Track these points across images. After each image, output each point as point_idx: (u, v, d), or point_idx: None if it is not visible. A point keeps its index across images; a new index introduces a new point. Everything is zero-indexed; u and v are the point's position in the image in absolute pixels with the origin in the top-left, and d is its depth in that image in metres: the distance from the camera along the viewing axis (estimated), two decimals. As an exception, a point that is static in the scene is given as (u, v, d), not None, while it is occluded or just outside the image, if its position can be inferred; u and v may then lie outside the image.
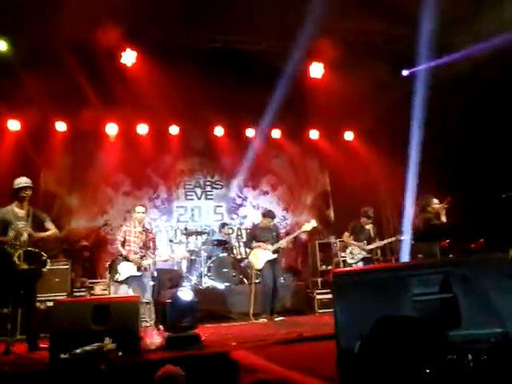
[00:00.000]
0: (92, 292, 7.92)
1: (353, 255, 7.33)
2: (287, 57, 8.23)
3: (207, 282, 7.98)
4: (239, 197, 10.37)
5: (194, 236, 9.11)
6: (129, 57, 7.66)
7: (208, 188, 10.25)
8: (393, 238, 7.43)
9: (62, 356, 3.88)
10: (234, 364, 3.71)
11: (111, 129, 9.20)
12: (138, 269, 6.28)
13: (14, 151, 8.39)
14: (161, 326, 5.61)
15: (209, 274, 8.06)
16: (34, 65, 7.21)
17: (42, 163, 8.79)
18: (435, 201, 6.42)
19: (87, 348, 3.88)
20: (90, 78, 7.81)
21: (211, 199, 10.22)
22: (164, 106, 8.57)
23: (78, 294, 7.44)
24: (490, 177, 7.55)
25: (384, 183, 9.85)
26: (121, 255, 6.33)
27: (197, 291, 6.45)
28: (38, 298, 5.66)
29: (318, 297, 8.06)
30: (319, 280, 8.76)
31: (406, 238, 7.55)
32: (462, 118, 7.75)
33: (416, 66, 8.32)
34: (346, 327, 2.08)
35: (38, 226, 5.29)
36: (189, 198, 10.09)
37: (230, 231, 9.59)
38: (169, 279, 8.26)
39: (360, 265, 7.23)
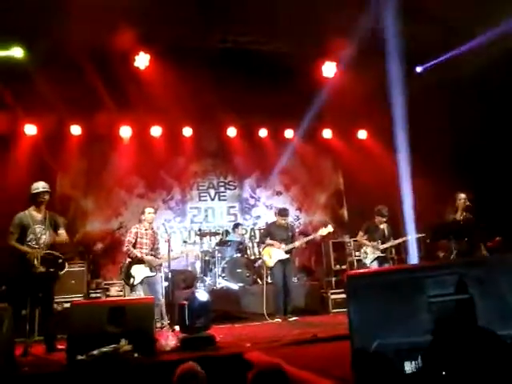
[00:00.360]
0: (107, 293, 7.99)
1: (367, 255, 7.28)
2: (299, 56, 8.22)
3: (221, 283, 8.00)
4: (252, 197, 10.38)
5: (207, 237, 9.14)
6: (142, 60, 7.73)
7: (221, 189, 10.27)
8: (407, 237, 7.36)
9: (79, 357, 3.94)
10: (248, 365, 3.72)
11: (125, 132, 9.27)
12: (151, 269, 6.32)
13: (30, 155, 8.50)
14: (176, 327, 5.65)
15: (223, 275, 8.08)
16: (49, 69, 7.32)
17: (57, 167, 8.89)
18: (461, 196, 6.34)
19: (104, 349, 3.93)
20: (104, 81, 7.89)
21: (224, 200, 10.24)
22: (177, 107, 8.61)
23: (93, 295, 7.52)
24: (507, 174, 7.44)
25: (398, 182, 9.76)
26: (134, 258, 6.35)
27: (211, 292, 6.49)
28: (55, 300, 5.73)
29: (332, 297, 8.03)
30: (333, 280, 8.72)
31: (420, 236, 7.50)
32: (479, 117, 7.65)
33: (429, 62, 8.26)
34: (360, 329, 2.06)
35: (55, 229, 5.37)
36: (202, 199, 10.13)
37: (244, 232, 9.60)
38: (183, 280, 8.30)
39: (374, 264, 7.18)
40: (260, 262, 8.38)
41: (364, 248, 7.37)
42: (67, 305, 6.38)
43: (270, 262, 7.23)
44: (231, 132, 9.86)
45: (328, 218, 10.54)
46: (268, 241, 7.35)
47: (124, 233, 8.68)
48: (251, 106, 9.21)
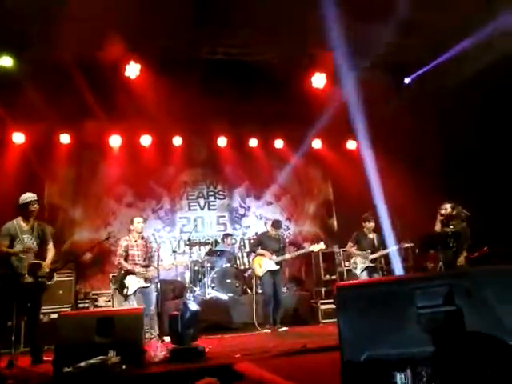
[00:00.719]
0: (96, 303, 7.92)
1: (357, 265, 7.31)
2: (289, 67, 8.29)
3: (211, 293, 7.96)
4: (242, 207, 10.38)
5: (197, 247, 9.11)
6: (132, 69, 7.73)
7: (211, 198, 10.27)
8: (396, 247, 7.40)
9: (66, 369, 3.88)
10: (238, 376, 3.70)
11: (115, 141, 9.24)
12: (145, 280, 6.28)
13: (18, 164, 8.43)
14: (165, 338, 5.61)
15: (212, 285, 8.05)
16: (39, 78, 7.29)
17: (46, 176, 8.83)
18: (446, 206, 6.39)
19: (91, 361, 3.88)
20: (94, 90, 7.88)
21: (214, 210, 10.23)
22: (167, 117, 8.63)
23: (81, 305, 7.44)
24: (495, 184, 7.53)
25: (388, 192, 9.83)
26: (126, 271, 6.30)
27: (201, 302, 6.45)
28: (42, 311, 5.66)
29: (322, 307, 8.03)
30: (323, 290, 8.73)
31: (409, 246, 7.55)
32: (466, 127, 7.76)
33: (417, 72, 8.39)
34: (349, 340, 2.07)
35: (42, 240, 5.32)
36: (192, 208, 10.11)
37: (233, 241, 9.59)
38: (172, 290, 8.26)
39: (364, 274, 7.21)
40: (250, 271, 8.37)
41: (353, 258, 7.40)
42: (54, 315, 6.30)
43: (260, 272, 7.22)
44: (221, 142, 9.88)
45: (317, 228, 10.58)
46: (259, 250, 7.35)
47: (113, 242, 8.62)
48: (241, 116, 9.26)
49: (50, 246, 5.38)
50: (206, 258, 8.53)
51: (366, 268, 7.22)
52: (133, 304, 6.16)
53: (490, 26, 6.61)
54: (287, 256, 7.40)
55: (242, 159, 9.99)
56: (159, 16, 6.95)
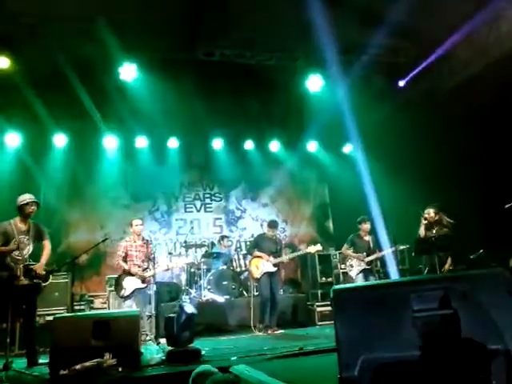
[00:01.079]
0: (92, 306, 7.91)
1: (352, 267, 7.33)
2: (286, 69, 8.31)
3: (207, 295, 7.96)
4: (238, 209, 10.39)
5: (193, 249, 9.11)
6: (128, 71, 7.71)
7: (207, 200, 10.28)
8: (392, 249, 7.42)
9: (62, 372, 3.87)
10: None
11: (110, 142, 9.22)
12: (143, 281, 6.27)
13: (14, 166, 8.41)
14: (161, 340, 5.60)
15: (208, 287, 8.04)
16: (34, 80, 7.27)
17: (41, 178, 8.79)
18: (429, 210, 6.43)
19: (87, 364, 3.87)
20: (90, 91, 7.86)
21: (210, 211, 10.23)
22: (163, 119, 8.63)
23: (77, 307, 7.41)
24: (491, 187, 7.56)
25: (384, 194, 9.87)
26: (123, 271, 6.30)
27: (197, 304, 6.45)
28: (38, 313, 5.64)
29: (319, 309, 8.05)
30: (319, 292, 8.74)
31: (405, 247, 7.58)
32: (462, 129, 7.79)
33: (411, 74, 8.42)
34: (347, 343, 2.08)
35: (38, 239, 5.33)
36: (188, 210, 10.11)
37: (230, 243, 9.59)
38: (168, 292, 8.25)
39: (360, 277, 7.22)
40: (246, 274, 8.37)
41: (349, 260, 7.42)
42: (50, 317, 6.28)
43: (257, 274, 7.21)
44: (217, 144, 9.88)
45: (313, 230, 10.60)
46: (256, 252, 7.34)
47: (109, 243, 8.60)
48: (238, 118, 9.27)
49: (46, 242, 5.40)
50: (203, 260, 8.53)
51: (362, 270, 7.23)
52: (131, 305, 6.15)
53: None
54: (284, 258, 7.40)
55: (239, 161, 10.00)
56: (155, 17, 6.95)
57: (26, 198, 5.24)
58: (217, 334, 7.04)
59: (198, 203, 10.20)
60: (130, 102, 8.19)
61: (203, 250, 9.23)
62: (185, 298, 7.84)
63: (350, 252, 7.39)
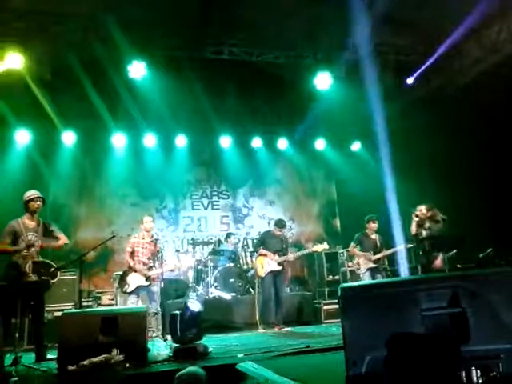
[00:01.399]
0: (99, 302, 7.96)
1: (359, 265, 7.30)
2: (294, 67, 8.29)
3: (213, 292, 7.97)
4: (245, 207, 10.40)
5: (200, 246, 9.13)
6: (137, 69, 7.73)
7: (214, 198, 10.29)
8: (399, 247, 7.38)
9: (70, 367, 3.90)
10: (241, 376, 3.71)
11: (119, 140, 9.26)
12: (147, 279, 6.29)
13: (23, 163, 8.47)
14: (167, 337, 5.62)
15: (215, 284, 8.05)
16: (44, 77, 7.31)
17: (50, 175, 8.85)
18: (418, 207, 6.42)
19: (94, 360, 3.90)
20: (99, 89, 7.90)
21: (218, 209, 10.25)
22: (171, 117, 8.66)
23: (85, 304, 7.46)
24: (501, 185, 7.51)
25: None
26: (128, 266, 6.34)
27: (203, 301, 6.46)
28: (46, 308, 5.69)
29: (325, 307, 8.03)
30: (326, 290, 8.73)
31: (412, 246, 7.53)
32: (469, 127, 7.74)
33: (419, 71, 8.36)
34: (354, 341, 2.07)
35: (48, 237, 5.36)
36: (195, 208, 10.13)
37: (237, 241, 9.60)
38: (174, 289, 8.26)
39: (367, 275, 7.20)
40: (253, 271, 8.37)
41: (356, 259, 7.40)
42: (58, 313, 6.32)
43: (262, 273, 7.19)
44: (225, 141, 9.88)
45: (320, 228, 10.58)
46: (262, 250, 7.32)
47: (116, 241, 8.64)
48: (245, 116, 9.28)
49: (61, 235, 5.44)
50: (209, 257, 8.54)
51: (369, 269, 7.20)
52: (134, 302, 6.18)
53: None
54: (290, 256, 7.36)
55: (246, 159, 10.01)
56: (164, 15, 6.97)
57: (32, 193, 5.27)
58: (223, 331, 7.05)
59: (206, 201, 10.22)
60: (139, 100, 8.23)
61: (210, 247, 9.25)
62: (192, 295, 7.86)
63: (357, 250, 7.36)
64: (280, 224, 7.47)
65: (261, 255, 7.31)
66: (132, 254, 6.37)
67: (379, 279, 6.96)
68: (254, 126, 9.76)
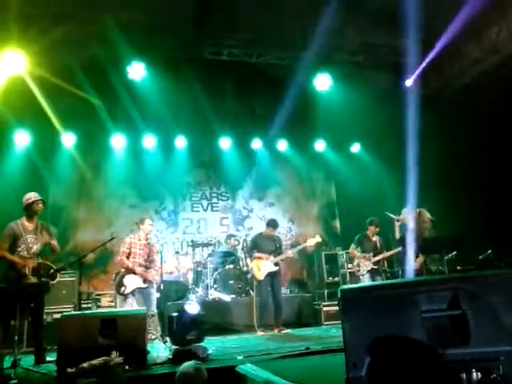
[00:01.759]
0: (99, 304, 7.93)
1: (359, 267, 7.29)
2: (293, 69, 8.30)
3: (213, 294, 7.96)
4: (245, 208, 10.39)
5: (200, 248, 9.11)
6: (137, 70, 7.73)
7: (214, 200, 10.28)
8: (399, 249, 7.38)
9: (69, 370, 3.89)
10: (240, 378, 3.70)
11: (118, 142, 9.26)
12: (144, 281, 6.27)
13: (23, 165, 8.46)
14: (167, 339, 5.61)
15: (215, 286, 8.04)
16: (44, 79, 7.31)
17: (50, 177, 8.84)
18: (422, 209, 6.45)
19: (94, 362, 3.89)
20: (98, 90, 7.90)
21: (217, 211, 10.24)
22: (171, 118, 8.65)
23: (84, 306, 7.44)
24: (500, 187, 7.51)
25: (391, 194, 9.83)
26: (126, 268, 6.30)
27: (203, 303, 6.45)
28: (45, 310, 5.68)
29: (325, 309, 8.01)
30: (326, 292, 8.71)
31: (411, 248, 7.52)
32: (469, 128, 7.74)
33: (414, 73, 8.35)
34: (354, 343, 2.07)
35: (46, 241, 5.36)
36: (195, 209, 10.12)
37: (236, 243, 9.58)
38: (174, 291, 8.25)
39: (367, 277, 7.18)
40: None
41: (356, 260, 7.38)
42: (57, 315, 6.31)
43: (260, 276, 7.15)
44: (225, 143, 9.88)
45: (320, 229, 10.56)
46: (256, 254, 7.28)
47: (115, 242, 8.64)
48: (245, 118, 9.26)
49: (54, 242, 5.43)
50: (209, 259, 8.54)
51: (369, 270, 7.19)
52: (132, 304, 6.14)
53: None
54: (285, 255, 7.31)
55: (246, 160, 10.00)
56: (163, 16, 6.98)
57: (32, 196, 5.26)
58: (223, 333, 7.03)
59: (205, 202, 10.21)
60: (138, 101, 8.22)
61: (210, 249, 9.24)
62: (191, 296, 7.85)
63: (357, 252, 7.35)
64: (272, 224, 7.42)
65: (256, 258, 7.28)
66: (129, 255, 6.34)
67: (379, 281, 6.96)
68: (253, 127, 9.75)
